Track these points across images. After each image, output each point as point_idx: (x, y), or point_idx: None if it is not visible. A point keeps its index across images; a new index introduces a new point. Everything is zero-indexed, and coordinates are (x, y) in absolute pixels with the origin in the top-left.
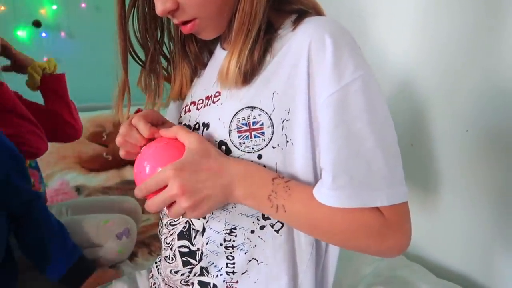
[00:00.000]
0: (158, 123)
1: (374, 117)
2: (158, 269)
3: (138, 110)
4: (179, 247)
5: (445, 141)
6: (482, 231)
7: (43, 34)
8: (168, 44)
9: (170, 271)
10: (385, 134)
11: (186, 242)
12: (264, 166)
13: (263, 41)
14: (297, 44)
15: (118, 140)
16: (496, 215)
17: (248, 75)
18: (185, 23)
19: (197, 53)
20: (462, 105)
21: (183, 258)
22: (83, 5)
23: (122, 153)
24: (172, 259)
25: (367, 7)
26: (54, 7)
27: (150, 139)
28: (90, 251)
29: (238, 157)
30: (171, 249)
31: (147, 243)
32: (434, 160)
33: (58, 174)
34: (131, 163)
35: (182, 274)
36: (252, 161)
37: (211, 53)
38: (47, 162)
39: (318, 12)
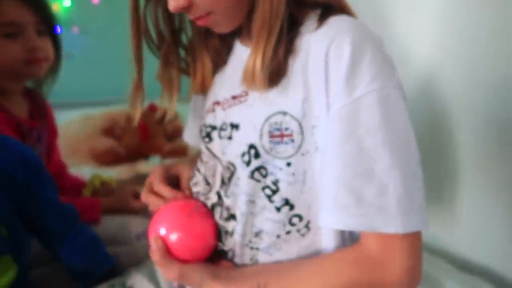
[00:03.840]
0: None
1: (391, 135)
2: None
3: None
4: None
5: (466, 132)
6: (505, 224)
7: (58, 30)
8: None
9: None
10: (405, 154)
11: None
12: (293, 173)
13: (286, 39)
14: (318, 47)
15: (152, 202)
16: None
17: (274, 76)
18: (199, 17)
19: (218, 48)
20: (484, 98)
21: None
22: (96, 0)
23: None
24: None
25: (386, 4)
26: (67, 2)
27: None
28: (110, 249)
29: (262, 165)
30: None
31: None
32: (455, 152)
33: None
34: (145, 157)
35: None
36: (281, 168)
37: (229, 48)
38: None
39: (343, 8)
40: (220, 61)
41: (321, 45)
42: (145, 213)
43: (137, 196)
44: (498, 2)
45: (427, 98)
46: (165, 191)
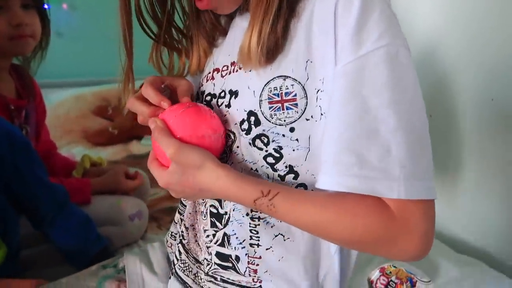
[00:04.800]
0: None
1: (399, 95)
2: (176, 236)
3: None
4: (210, 205)
5: (467, 111)
6: (503, 204)
7: (45, 6)
8: (181, 16)
9: (203, 229)
10: (412, 116)
11: (216, 203)
12: (297, 139)
13: (285, 12)
14: (324, 3)
15: (140, 120)
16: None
17: (271, 52)
18: None
19: (213, 22)
20: (487, 73)
21: (211, 219)
22: None
23: (140, 119)
24: (205, 216)
25: None
26: None
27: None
28: (102, 230)
29: (263, 132)
30: (204, 206)
31: (156, 217)
32: (455, 131)
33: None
34: (137, 137)
35: (208, 236)
36: (283, 134)
37: (231, 17)
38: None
39: None
40: (218, 32)
41: (328, 2)
42: (138, 193)
43: (128, 176)
44: None
45: (429, 68)
46: (153, 96)
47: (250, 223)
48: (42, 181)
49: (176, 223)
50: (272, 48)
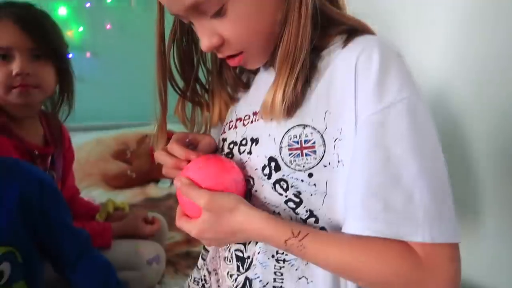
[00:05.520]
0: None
1: (419, 144)
2: (198, 281)
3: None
4: (235, 249)
5: (481, 156)
6: None
7: (70, 55)
8: (205, 73)
9: (227, 274)
10: (432, 163)
11: (241, 247)
12: (315, 184)
13: (307, 69)
14: (346, 61)
15: (164, 171)
16: None
17: (292, 107)
18: (230, 56)
19: (235, 78)
20: (497, 117)
21: (237, 263)
22: (109, 26)
23: (164, 171)
24: (230, 261)
25: (395, 17)
26: (81, 28)
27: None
28: (121, 275)
29: (282, 177)
30: (228, 251)
31: (173, 262)
32: (473, 177)
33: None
34: (155, 180)
35: (233, 280)
36: (302, 180)
37: (255, 72)
38: None
39: (367, 30)
40: (241, 87)
41: (349, 59)
42: (156, 237)
43: (147, 221)
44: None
45: (440, 111)
46: (178, 150)
47: (275, 265)
48: (68, 227)
49: (199, 268)
50: (293, 104)
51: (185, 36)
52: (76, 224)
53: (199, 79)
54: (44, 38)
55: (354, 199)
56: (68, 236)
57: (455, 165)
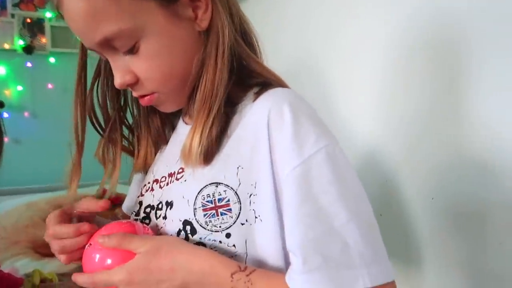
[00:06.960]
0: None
1: (344, 189)
2: None
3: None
4: None
5: (412, 209)
6: None
7: (5, 115)
8: (132, 113)
9: None
10: (358, 206)
11: None
12: (234, 245)
13: (222, 117)
14: (257, 115)
15: (55, 249)
16: (469, 285)
17: (208, 154)
18: (143, 95)
19: (159, 128)
20: (426, 174)
21: None
22: (50, 86)
23: (63, 259)
24: None
25: (327, 87)
26: (20, 87)
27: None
28: None
29: (200, 241)
30: None
31: None
32: (403, 230)
33: (8, 261)
34: None
35: None
36: (220, 241)
37: (173, 128)
38: None
39: (281, 85)
40: (161, 141)
41: (260, 114)
42: None
43: None
44: (435, 82)
45: (370, 174)
46: (61, 229)
47: None
48: None
49: None
50: (209, 149)
51: (110, 76)
52: None
53: (125, 119)
54: None
55: (295, 257)
56: None
57: (394, 221)
